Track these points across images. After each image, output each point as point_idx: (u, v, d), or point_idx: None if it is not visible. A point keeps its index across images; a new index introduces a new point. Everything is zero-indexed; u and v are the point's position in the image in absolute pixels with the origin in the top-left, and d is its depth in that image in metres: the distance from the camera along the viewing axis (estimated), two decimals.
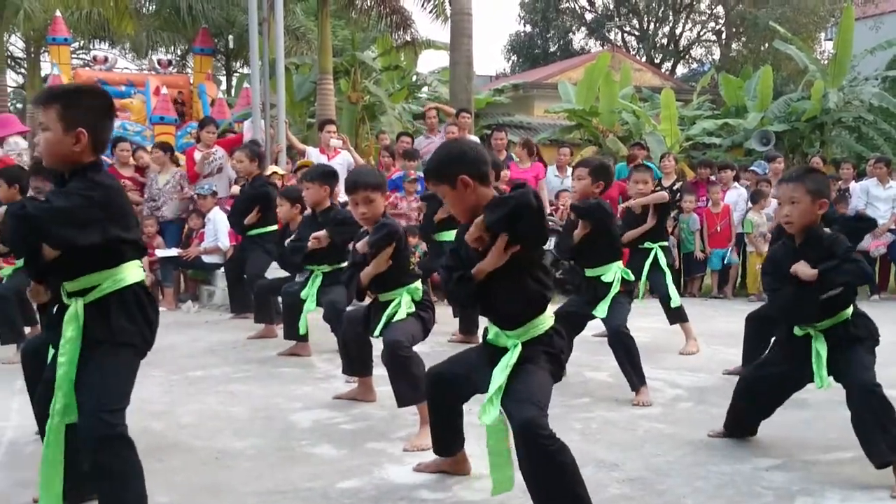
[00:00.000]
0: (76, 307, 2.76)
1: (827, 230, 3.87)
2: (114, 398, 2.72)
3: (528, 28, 36.90)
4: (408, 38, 17.59)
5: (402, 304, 4.26)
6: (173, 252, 9.11)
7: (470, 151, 3.09)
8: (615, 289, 5.10)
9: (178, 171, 9.54)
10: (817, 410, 4.79)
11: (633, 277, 5.31)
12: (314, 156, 9.97)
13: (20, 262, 5.71)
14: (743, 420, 4.15)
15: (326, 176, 5.94)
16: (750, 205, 10.50)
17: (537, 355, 3.00)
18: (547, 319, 3.07)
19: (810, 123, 16.28)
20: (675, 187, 10.49)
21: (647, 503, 3.29)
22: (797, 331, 3.79)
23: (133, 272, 2.83)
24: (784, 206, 3.77)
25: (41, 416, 3.00)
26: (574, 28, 37.14)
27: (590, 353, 6.52)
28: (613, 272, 5.14)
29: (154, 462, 3.70)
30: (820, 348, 3.66)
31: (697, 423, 4.33)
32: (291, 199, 6.55)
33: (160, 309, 10.11)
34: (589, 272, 5.24)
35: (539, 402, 2.86)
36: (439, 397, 3.36)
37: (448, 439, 3.48)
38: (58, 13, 15.07)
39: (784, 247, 3.90)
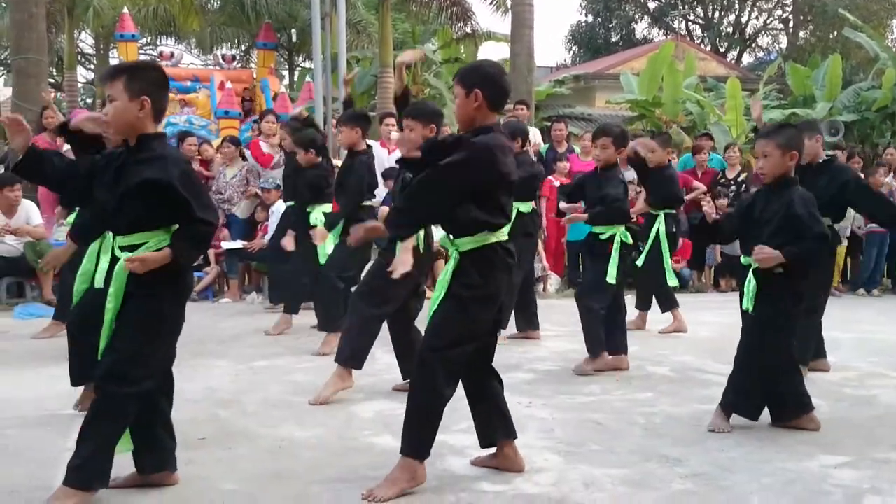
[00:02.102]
0: (123, 262, 3.00)
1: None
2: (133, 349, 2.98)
3: (590, 18, 36.49)
4: (468, 31, 17.61)
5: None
6: (238, 244, 9.28)
7: (499, 79, 3.32)
8: None
9: (245, 165, 9.71)
10: (888, 408, 4.69)
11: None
12: (375, 149, 10.01)
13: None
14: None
15: (358, 118, 5.99)
16: None
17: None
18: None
19: (881, 113, 15.86)
20: (739, 178, 10.30)
21: (711, 499, 3.25)
22: (742, 260, 4.25)
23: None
24: (759, 160, 4.20)
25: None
26: (637, 17, 36.62)
27: (652, 348, 6.47)
28: None
29: (221, 450, 3.78)
30: (754, 278, 4.10)
31: (762, 419, 4.25)
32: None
33: (225, 300, 10.08)
34: None
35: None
36: None
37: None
38: (125, 10, 15.41)
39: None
